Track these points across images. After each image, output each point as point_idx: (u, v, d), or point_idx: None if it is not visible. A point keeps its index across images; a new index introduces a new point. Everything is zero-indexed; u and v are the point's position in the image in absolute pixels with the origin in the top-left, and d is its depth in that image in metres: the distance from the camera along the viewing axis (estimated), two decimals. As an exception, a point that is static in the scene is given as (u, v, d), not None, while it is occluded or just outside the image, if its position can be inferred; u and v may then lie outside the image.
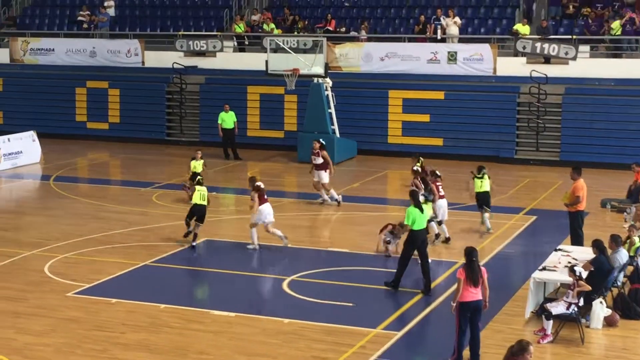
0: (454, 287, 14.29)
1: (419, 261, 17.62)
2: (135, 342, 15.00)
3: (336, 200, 25.32)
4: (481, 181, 22.35)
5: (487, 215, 22.26)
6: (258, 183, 20.68)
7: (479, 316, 14.00)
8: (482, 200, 22.31)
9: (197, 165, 26.02)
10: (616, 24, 33.62)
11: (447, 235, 21.40)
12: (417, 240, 17.47)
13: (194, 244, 20.82)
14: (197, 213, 20.81)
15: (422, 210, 17.49)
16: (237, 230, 23.12)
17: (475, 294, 13.77)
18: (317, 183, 25.41)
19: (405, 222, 17.44)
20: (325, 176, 25.25)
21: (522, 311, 16.19)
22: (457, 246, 20.34)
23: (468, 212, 24.59)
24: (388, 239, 20.12)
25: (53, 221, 23.60)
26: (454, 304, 13.84)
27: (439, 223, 21.34)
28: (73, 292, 17.45)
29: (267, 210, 20.45)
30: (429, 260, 17.83)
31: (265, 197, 20.61)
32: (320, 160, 25.18)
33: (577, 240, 19.65)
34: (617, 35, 33.52)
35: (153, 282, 18.50)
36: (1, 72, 40.41)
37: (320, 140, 25.81)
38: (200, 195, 20.84)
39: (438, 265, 19.29)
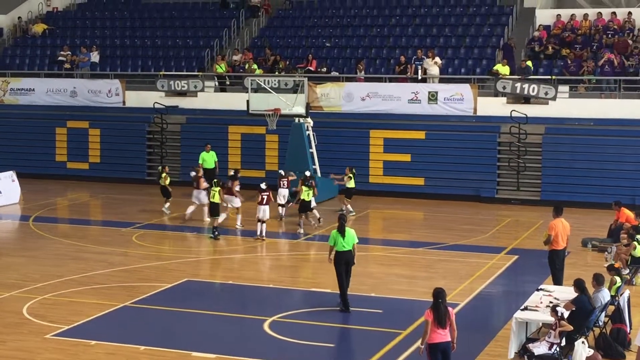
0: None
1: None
2: (114, 384, 14.82)
3: None
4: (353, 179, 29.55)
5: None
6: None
7: (449, 358, 13.91)
8: (350, 194, 29.62)
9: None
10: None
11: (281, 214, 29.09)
12: (341, 260, 18.80)
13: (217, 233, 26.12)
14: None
15: (344, 233, 18.73)
16: (216, 270, 23.01)
17: (443, 335, 13.73)
18: None
19: (328, 243, 19.03)
20: None
21: (504, 352, 16.10)
22: (440, 285, 20.21)
23: (452, 252, 24.63)
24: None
25: (32, 262, 23.39)
26: (422, 347, 13.81)
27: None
28: (52, 334, 17.24)
29: None
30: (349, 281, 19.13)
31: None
32: None
33: (554, 279, 19.65)
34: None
35: (133, 323, 18.34)
36: (-19, 112, 40.30)
37: None
38: (213, 194, 26.05)
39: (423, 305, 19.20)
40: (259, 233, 26.21)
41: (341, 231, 18.83)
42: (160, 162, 37.00)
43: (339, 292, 19.00)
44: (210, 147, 32.87)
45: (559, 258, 19.76)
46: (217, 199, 26.33)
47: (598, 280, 16.62)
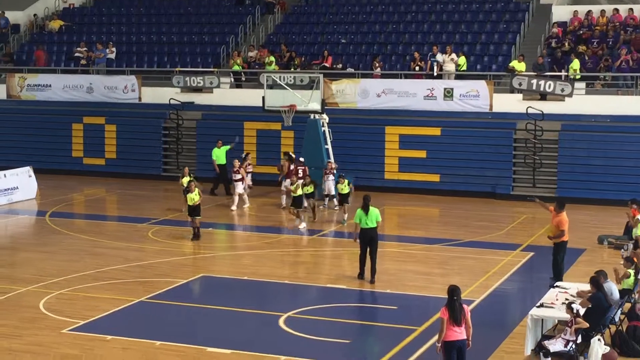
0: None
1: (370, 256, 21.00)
2: (130, 379, 14.88)
3: None
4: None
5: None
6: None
7: (464, 355, 13.89)
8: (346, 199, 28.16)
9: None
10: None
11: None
12: (365, 237, 20.80)
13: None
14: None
15: (367, 212, 20.62)
16: (232, 266, 23.05)
17: (459, 333, 13.71)
18: None
19: (354, 221, 21.10)
20: None
21: (520, 348, 16.08)
22: (455, 282, 20.21)
23: (467, 248, 24.60)
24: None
25: (48, 257, 23.50)
26: (439, 345, 13.79)
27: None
28: (68, 328, 17.33)
29: None
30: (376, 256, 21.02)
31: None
32: None
33: (559, 272, 20.13)
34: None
35: (149, 318, 18.40)
36: (-2, 108, 40.48)
37: None
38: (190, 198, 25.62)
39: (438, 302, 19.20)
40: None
41: (365, 209, 20.68)
42: (176, 158, 37.14)
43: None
44: (221, 143, 32.90)
45: (564, 250, 20.61)
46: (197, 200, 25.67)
47: (602, 274, 16.62)
